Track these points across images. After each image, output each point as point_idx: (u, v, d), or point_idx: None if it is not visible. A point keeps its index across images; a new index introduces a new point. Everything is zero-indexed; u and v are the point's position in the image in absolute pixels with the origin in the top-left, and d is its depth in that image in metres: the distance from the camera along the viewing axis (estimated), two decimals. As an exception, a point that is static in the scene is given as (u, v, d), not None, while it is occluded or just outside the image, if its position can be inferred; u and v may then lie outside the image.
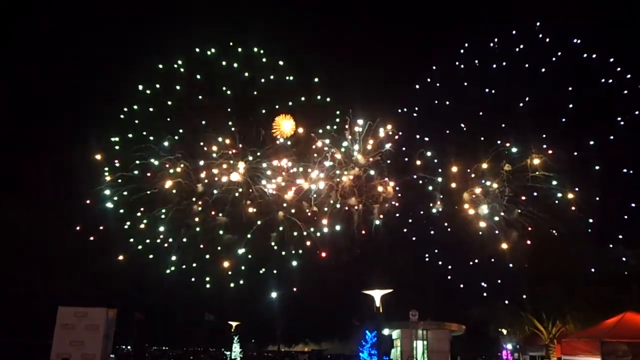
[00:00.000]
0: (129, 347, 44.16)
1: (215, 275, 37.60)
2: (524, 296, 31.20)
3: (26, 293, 33.91)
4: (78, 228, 36.19)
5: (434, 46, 43.77)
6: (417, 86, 39.25)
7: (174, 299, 40.29)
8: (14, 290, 33.50)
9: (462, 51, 39.18)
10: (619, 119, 34.66)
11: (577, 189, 33.56)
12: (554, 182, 34.15)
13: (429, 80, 39.32)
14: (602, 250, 29.73)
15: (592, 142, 33.95)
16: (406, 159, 38.05)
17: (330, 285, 38.71)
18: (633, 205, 33.10)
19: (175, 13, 43.79)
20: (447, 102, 38.28)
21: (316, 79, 39.01)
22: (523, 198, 34.89)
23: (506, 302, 32.42)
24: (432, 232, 36.72)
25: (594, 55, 36.07)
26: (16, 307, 33.33)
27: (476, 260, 34.63)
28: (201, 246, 38.02)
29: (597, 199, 32.82)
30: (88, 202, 36.73)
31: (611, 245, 30.51)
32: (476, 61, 38.83)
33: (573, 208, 33.19)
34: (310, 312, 44.51)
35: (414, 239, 37.30)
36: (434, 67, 39.52)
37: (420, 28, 45.96)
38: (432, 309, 29.90)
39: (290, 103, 39.16)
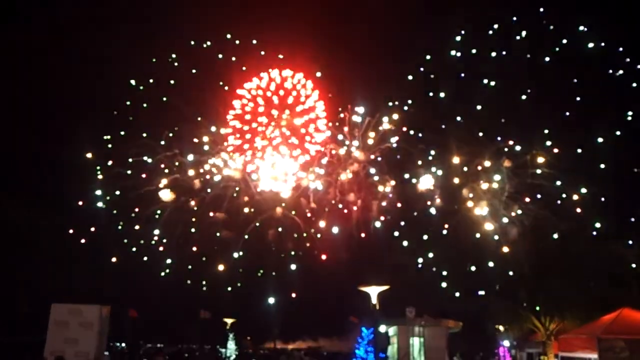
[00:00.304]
0: (123, 345, 43.93)
1: (211, 274, 37.35)
2: (522, 293, 31.03)
3: (19, 291, 33.72)
4: (71, 231, 36.11)
5: (428, 32, 39.88)
6: (410, 77, 37.12)
7: (169, 296, 40.10)
8: (9, 289, 33.33)
9: (458, 39, 36.86)
10: (630, 113, 32.93)
11: (579, 186, 32.19)
12: (555, 179, 32.73)
13: (422, 69, 37.05)
14: (602, 248, 29.54)
15: (599, 139, 32.20)
16: (398, 157, 37.12)
17: (327, 282, 38.52)
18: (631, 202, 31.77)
19: (170, 6, 43.10)
20: (442, 95, 36.18)
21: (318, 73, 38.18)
22: (527, 200, 33.53)
23: (503, 298, 32.19)
24: (429, 229, 35.46)
25: (602, 44, 33.89)
26: (11, 305, 33.17)
27: (474, 257, 33.87)
28: (194, 249, 37.52)
29: (603, 199, 31.76)
30: (80, 203, 36.50)
31: (611, 243, 29.97)
32: (473, 50, 36.62)
33: (579, 210, 31.82)
34: (307, 309, 44.40)
35: (405, 243, 36.03)
36: (428, 57, 37.04)
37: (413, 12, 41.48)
38: (429, 306, 29.78)
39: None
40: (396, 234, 36.21)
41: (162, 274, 37.07)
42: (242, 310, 44.16)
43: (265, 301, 43.34)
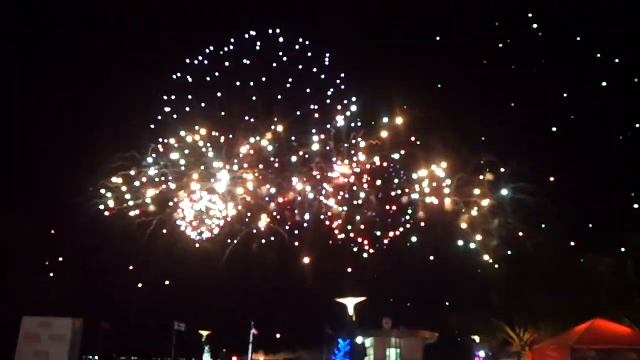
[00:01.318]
0: (95, 358, 42.98)
1: (188, 286, 36.72)
2: (496, 303, 31.24)
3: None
4: (47, 263, 35.22)
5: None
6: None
7: (142, 307, 39.37)
8: None
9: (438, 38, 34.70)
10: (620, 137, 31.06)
11: (555, 199, 30.96)
12: (533, 193, 31.45)
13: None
14: (574, 259, 29.92)
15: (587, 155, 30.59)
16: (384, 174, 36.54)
17: (306, 293, 38.15)
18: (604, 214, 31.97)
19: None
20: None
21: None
22: (506, 213, 32.66)
23: (479, 309, 32.31)
24: (410, 241, 34.31)
25: (598, 55, 30.87)
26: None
27: (452, 269, 33.71)
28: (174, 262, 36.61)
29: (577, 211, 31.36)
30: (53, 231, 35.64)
31: (583, 255, 30.29)
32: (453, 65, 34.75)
33: (553, 223, 31.11)
34: (284, 320, 44.12)
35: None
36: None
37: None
38: (405, 317, 29.88)
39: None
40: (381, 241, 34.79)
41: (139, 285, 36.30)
42: (218, 321, 43.63)
43: (241, 312, 42.91)
